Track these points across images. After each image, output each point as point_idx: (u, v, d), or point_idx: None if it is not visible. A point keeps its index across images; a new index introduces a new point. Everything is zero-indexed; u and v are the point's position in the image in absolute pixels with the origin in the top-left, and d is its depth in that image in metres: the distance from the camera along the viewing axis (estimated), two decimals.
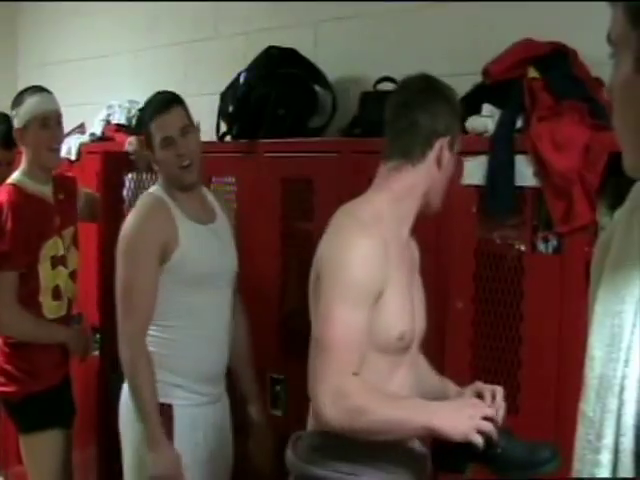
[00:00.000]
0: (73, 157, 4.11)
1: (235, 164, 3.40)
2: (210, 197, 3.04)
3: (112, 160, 3.79)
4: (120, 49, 4.63)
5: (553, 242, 2.36)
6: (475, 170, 2.50)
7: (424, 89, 2.13)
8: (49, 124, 3.36)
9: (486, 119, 2.53)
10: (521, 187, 2.41)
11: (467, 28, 2.95)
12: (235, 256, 3.01)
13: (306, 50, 3.41)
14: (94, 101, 4.54)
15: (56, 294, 3.34)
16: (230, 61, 3.72)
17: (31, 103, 3.35)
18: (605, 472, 1.04)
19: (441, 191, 2.14)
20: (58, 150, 3.47)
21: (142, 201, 2.93)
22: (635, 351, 1.03)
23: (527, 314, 2.41)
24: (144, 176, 3.70)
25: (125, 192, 3.82)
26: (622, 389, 1.03)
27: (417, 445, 2.13)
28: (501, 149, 2.46)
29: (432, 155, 2.09)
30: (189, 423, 2.84)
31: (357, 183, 2.61)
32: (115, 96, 4.41)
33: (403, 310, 2.05)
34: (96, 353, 3.80)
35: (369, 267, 1.96)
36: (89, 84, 4.84)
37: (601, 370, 1.06)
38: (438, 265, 2.60)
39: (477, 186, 2.50)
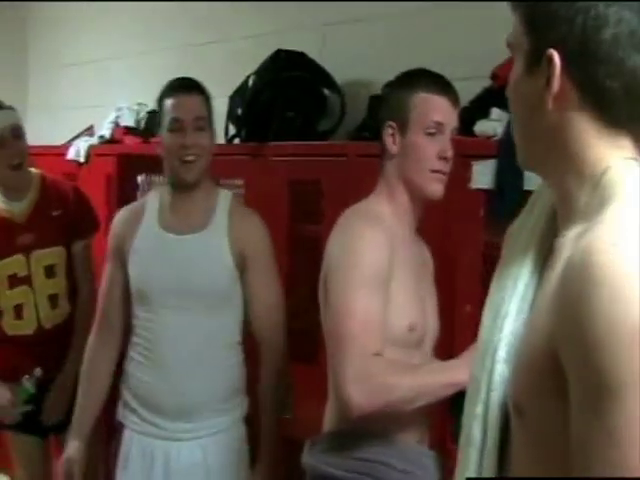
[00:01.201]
0: (82, 159, 4.12)
1: (243, 167, 3.40)
2: (221, 202, 2.67)
3: (125, 162, 3.77)
4: (129, 51, 4.64)
5: None
6: (483, 174, 2.50)
7: (387, 84, 2.19)
8: (3, 142, 3.15)
9: (495, 123, 2.53)
10: (529, 191, 2.40)
11: (477, 31, 2.95)
12: (216, 274, 2.57)
13: (314, 53, 3.41)
14: (103, 103, 4.55)
15: (17, 313, 3.24)
16: (239, 64, 3.72)
17: None
18: (478, 422, 1.19)
19: (421, 177, 2.11)
20: (19, 166, 3.19)
21: None
22: (509, 320, 1.18)
23: None
24: (157, 178, 3.70)
25: (139, 194, 3.79)
26: (495, 350, 1.18)
27: (426, 448, 2.15)
28: (509, 153, 2.44)
29: (388, 143, 2.13)
30: (139, 451, 2.62)
31: (365, 186, 2.61)
32: (124, 98, 4.42)
33: (411, 303, 2.08)
34: None
35: (378, 253, 2.01)
36: (98, 86, 4.86)
37: (486, 337, 1.22)
38: (446, 269, 2.60)
39: (485, 190, 2.50)
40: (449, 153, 2.11)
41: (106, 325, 2.71)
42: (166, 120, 2.57)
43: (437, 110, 2.11)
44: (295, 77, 3.33)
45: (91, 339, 2.74)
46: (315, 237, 2.98)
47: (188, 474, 2.57)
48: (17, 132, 3.20)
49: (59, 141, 4.49)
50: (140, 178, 3.75)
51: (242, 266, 2.60)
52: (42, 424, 3.30)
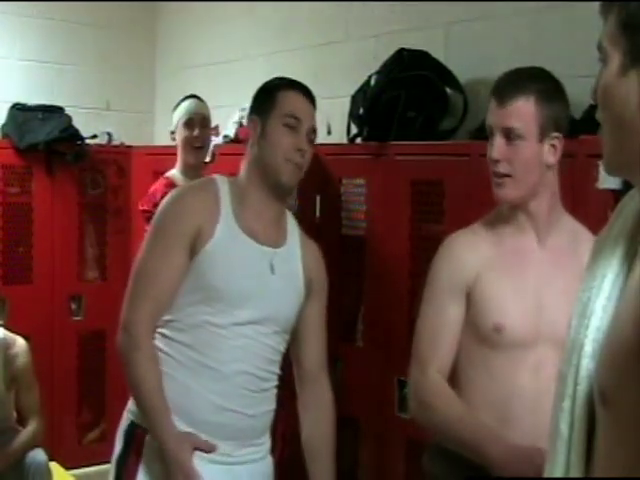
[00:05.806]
0: (208, 158, 4.21)
1: (365, 166, 3.42)
2: (289, 219, 2.49)
3: None
4: (252, 52, 4.72)
5: None
6: None
7: None
8: (192, 125, 3.81)
9: None
10: None
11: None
12: (292, 296, 2.39)
13: (437, 52, 3.40)
14: (227, 104, 4.64)
15: None
16: (361, 63, 3.74)
17: (180, 107, 3.90)
18: (565, 416, 1.22)
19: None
20: (200, 149, 3.85)
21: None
22: (594, 318, 1.20)
23: None
24: None
25: None
26: (581, 347, 1.20)
27: None
28: None
29: None
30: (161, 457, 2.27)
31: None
32: (248, 99, 4.48)
33: (502, 303, 2.08)
34: None
35: (454, 264, 2.12)
36: (223, 87, 4.95)
37: (573, 335, 1.23)
38: None
39: (613, 190, 2.44)
40: (494, 155, 2.11)
41: (155, 307, 2.30)
42: (281, 112, 2.37)
43: (488, 114, 2.16)
44: (417, 76, 3.32)
45: (138, 326, 2.28)
46: (437, 237, 2.96)
47: None
48: (204, 122, 3.88)
49: None
50: None
51: (308, 292, 2.46)
52: None
